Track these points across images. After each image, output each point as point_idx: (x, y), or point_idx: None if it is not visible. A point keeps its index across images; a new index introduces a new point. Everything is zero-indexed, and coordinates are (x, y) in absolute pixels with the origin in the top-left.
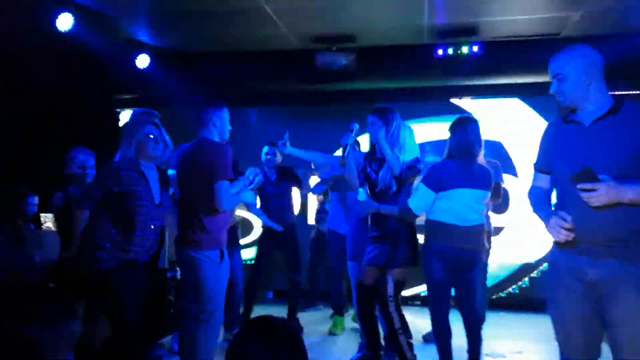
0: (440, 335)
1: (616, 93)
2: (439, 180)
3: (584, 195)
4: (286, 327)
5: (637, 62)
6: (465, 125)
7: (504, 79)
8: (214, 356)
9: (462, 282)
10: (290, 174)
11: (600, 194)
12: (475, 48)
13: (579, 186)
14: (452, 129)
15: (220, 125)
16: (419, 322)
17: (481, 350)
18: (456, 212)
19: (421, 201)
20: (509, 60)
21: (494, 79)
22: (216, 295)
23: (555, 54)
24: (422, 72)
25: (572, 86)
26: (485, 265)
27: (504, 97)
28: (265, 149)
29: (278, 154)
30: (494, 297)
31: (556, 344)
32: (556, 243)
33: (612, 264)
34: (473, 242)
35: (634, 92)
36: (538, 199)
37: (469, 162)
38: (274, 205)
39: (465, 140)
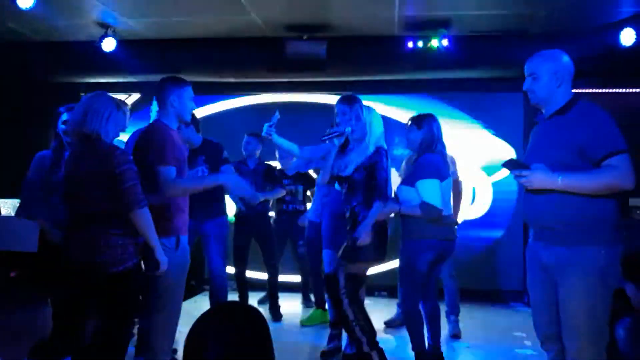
0: (416, 324)
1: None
2: (440, 171)
3: (517, 180)
4: (249, 314)
5: (600, 58)
6: (432, 122)
7: (472, 73)
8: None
9: (432, 275)
10: (272, 174)
11: (529, 179)
12: (445, 42)
13: (510, 172)
14: (420, 124)
15: (179, 106)
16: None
17: (440, 339)
18: (444, 202)
19: (436, 193)
20: (478, 54)
21: (463, 73)
22: (172, 285)
23: (534, 54)
24: (392, 64)
25: (542, 86)
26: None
27: (472, 91)
28: (245, 138)
29: (259, 146)
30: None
31: (518, 334)
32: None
33: (558, 249)
34: (454, 233)
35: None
36: None
37: (442, 155)
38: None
39: (435, 135)
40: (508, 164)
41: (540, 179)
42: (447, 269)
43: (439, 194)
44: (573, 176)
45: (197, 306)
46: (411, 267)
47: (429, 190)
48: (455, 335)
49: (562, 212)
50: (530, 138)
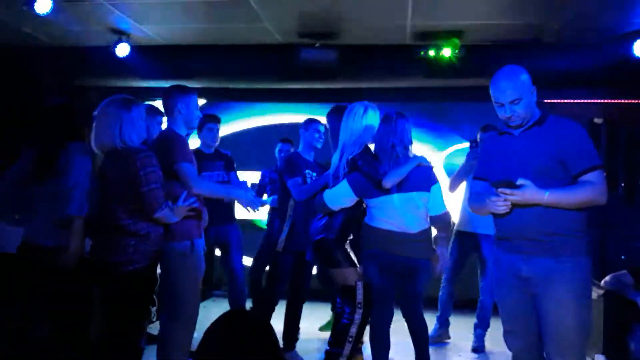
0: (376, 344)
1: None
2: (363, 188)
3: (504, 197)
4: (256, 320)
5: (613, 69)
6: (382, 124)
7: (484, 83)
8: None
9: (404, 291)
10: None
11: (517, 199)
12: (457, 51)
13: (499, 190)
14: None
15: (186, 113)
16: None
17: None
18: (391, 219)
19: (338, 199)
20: (490, 64)
21: (474, 82)
22: (185, 290)
23: (500, 80)
24: (403, 72)
25: (526, 107)
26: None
27: (484, 101)
28: (279, 146)
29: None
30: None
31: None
32: (497, 242)
33: (542, 260)
34: (411, 250)
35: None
36: (480, 195)
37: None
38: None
39: (387, 140)
40: (499, 184)
41: (528, 196)
42: (486, 285)
43: (343, 200)
44: (558, 192)
45: (207, 312)
46: (365, 279)
47: (339, 190)
48: (476, 349)
49: (546, 224)
50: (489, 151)
